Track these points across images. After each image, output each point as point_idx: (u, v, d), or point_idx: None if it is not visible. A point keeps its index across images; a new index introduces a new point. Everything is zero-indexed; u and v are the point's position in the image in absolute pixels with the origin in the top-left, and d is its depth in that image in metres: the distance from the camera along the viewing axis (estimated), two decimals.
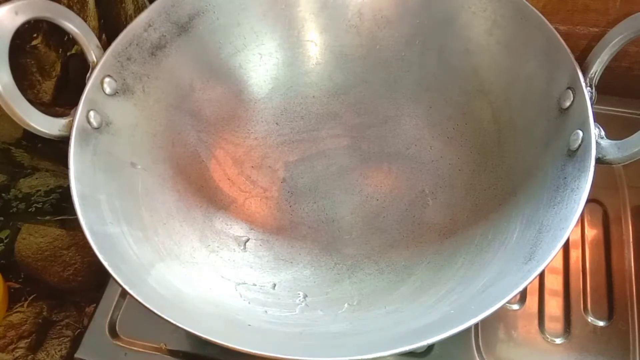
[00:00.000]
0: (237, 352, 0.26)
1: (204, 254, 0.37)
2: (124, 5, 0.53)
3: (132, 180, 0.36)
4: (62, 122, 0.33)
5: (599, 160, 0.29)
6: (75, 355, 0.38)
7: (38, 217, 0.59)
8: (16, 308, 0.54)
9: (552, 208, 0.30)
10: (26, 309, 0.54)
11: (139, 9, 0.54)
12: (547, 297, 0.38)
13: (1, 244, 0.58)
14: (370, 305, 0.35)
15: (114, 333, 0.39)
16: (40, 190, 0.61)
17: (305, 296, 0.36)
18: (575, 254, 0.40)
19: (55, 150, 0.59)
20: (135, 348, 0.38)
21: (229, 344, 0.26)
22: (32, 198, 0.60)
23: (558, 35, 0.34)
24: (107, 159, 0.34)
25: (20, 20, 0.31)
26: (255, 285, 0.36)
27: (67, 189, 0.60)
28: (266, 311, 0.34)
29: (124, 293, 0.39)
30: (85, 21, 0.49)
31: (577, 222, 0.39)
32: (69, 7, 0.46)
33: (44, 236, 0.58)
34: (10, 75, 0.31)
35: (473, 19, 0.39)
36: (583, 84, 0.31)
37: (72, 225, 0.58)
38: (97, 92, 0.35)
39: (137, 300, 0.27)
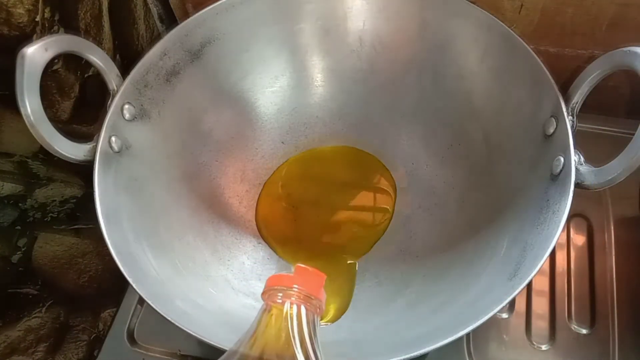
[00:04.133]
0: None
1: (216, 267, 0.40)
2: (136, 26, 0.55)
3: (150, 198, 0.39)
4: (86, 147, 0.36)
5: (578, 185, 0.31)
6: None
7: (54, 226, 0.62)
8: (35, 313, 0.57)
9: (536, 228, 0.32)
10: (44, 314, 0.57)
11: (150, 30, 0.57)
12: (534, 305, 0.41)
13: (19, 252, 0.61)
14: (369, 316, 0.37)
15: (132, 339, 0.42)
16: (55, 200, 0.64)
17: None
18: (560, 265, 0.43)
19: (69, 163, 0.62)
20: (151, 354, 0.41)
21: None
22: (48, 208, 0.63)
23: (543, 66, 0.36)
24: (127, 180, 0.37)
25: (49, 55, 0.33)
26: None
27: (81, 199, 0.63)
28: None
29: (142, 301, 0.42)
30: (101, 43, 0.52)
31: (563, 233, 0.42)
32: (87, 30, 0.49)
33: (60, 244, 0.61)
34: (40, 105, 0.33)
35: (466, 47, 0.41)
36: (565, 113, 0.33)
37: (86, 233, 0.61)
38: (117, 118, 0.37)
39: (160, 313, 0.30)
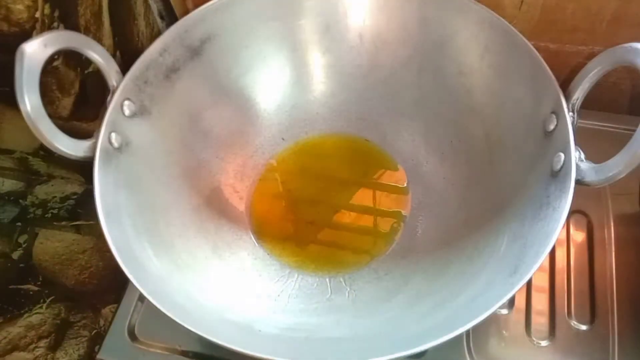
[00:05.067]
0: (247, 355, 0.29)
1: (216, 264, 0.40)
2: (136, 22, 0.55)
3: (151, 195, 0.39)
4: (86, 144, 0.36)
5: (578, 182, 0.31)
6: (97, 357, 0.41)
7: (54, 223, 0.62)
8: (35, 309, 0.57)
9: (536, 224, 0.32)
10: (45, 310, 0.57)
11: (150, 26, 0.57)
12: (534, 302, 0.41)
13: (20, 249, 0.61)
14: (369, 312, 0.37)
15: (132, 335, 0.42)
16: (56, 196, 0.64)
17: (309, 303, 0.39)
18: (560, 262, 0.43)
19: (70, 159, 0.62)
20: (152, 350, 0.41)
21: (241, 349, 0.29)
22: (49, 204, 0.63)
23: (543, 62, 0.36)
24: (127, 177, 0.37)
25: (49, 51, 0.33)
26: (264, 293, 0.39)
27: (82, 196, 0.63)
28: (274, 318, 0.37)
29: (142, 298, 0.42)
30: (101, 40, 0.52)
31: (563, 230, 0.41)
32: (87, 27, 0.49)
33: (61, 241, 0.61)
34: (40, 102, 0.33)
35: (466, 44, 0.41)
36: (565, 110, 0.33)
37: (87, 230, 0.61)
38: (117, 115, 0.37)
39: (160, 309, 0.30)
